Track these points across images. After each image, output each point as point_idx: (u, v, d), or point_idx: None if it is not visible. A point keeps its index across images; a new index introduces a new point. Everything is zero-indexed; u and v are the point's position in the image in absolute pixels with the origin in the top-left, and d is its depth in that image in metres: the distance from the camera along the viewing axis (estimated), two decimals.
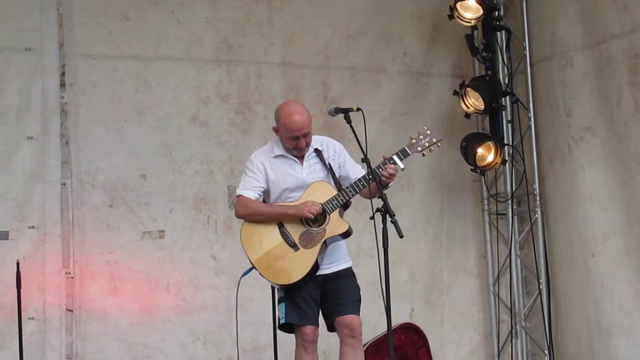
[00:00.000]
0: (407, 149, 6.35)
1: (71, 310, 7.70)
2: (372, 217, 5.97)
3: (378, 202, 6.05)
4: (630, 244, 8.13)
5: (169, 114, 8.12)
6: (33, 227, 7.64)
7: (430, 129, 6.42)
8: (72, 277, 7.72)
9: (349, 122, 6.21)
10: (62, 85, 7.80)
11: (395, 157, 6.28)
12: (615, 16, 8.04)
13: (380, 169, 6.20)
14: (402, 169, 6.31)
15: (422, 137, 6.39)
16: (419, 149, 6.38)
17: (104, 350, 7.79)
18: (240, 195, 6.39)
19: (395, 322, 8.55)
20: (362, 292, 6.55)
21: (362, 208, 6.68)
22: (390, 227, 5.94)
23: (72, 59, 7.84)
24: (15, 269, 7.25)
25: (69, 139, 7.81)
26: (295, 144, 6.34)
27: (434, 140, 6.40)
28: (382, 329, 7.25)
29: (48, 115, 7.75)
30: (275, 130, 6.45)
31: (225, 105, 8.28)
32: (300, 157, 6.43)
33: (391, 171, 6.21)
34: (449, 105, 8.91)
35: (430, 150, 6.42)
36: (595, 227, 8.40)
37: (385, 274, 5.87)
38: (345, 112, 6.25)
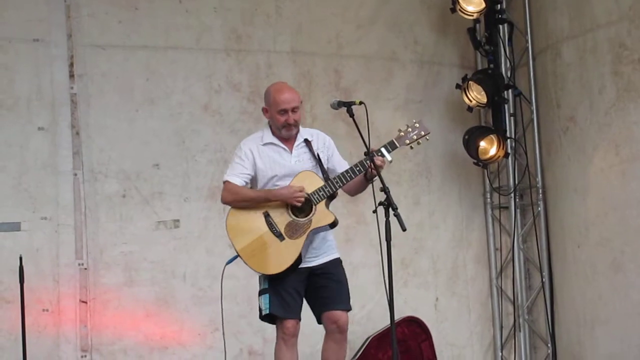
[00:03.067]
0: (395, 141, 6.28)
1: (85, 302, 7.60)
2: (375, 211, 5.87)
3: (382, 196, 5.92)
4: (605, 235, 8.16)
5: (180, 103, 8.07)
6: (46, 218, 7.56)
7: (418, 122, 6.36)
8: (85, 269, 7.64)
9: (352, 115, 6.13)
10: (71, 76, 7.74)
11: (383, 150, 6.21)
12: (602, 5, 8.06)
13: (367, 162, 6.13)
14: (390, 162, 6.23)
15: (410, 129, 6.32)
16: (407, 141, 6.30)
17: (120, 341, 7.69)
18: (227, 182, 6.31)
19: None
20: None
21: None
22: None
23: (81, 50, 7.79)
24: (28, 261, 7.17)
25: (80, 129, 7.74)
26: (284, 119, 6.24)
27: (422, 133, 6.32)
28: (387, 321, 7.19)
29: (58, 106, 7.69)
30: (265, 110, 6.37)
31: (237, 94, 8.23)
32: (290, 145, 6.36)
33: (378, 162, 6.09)
34: (461, 95, 8.86)
35: (418, 143, 6.34)
36: (579, 218, 8.44)
37: (389, 267, 5.78)
38: (348, 105, 6.17)
